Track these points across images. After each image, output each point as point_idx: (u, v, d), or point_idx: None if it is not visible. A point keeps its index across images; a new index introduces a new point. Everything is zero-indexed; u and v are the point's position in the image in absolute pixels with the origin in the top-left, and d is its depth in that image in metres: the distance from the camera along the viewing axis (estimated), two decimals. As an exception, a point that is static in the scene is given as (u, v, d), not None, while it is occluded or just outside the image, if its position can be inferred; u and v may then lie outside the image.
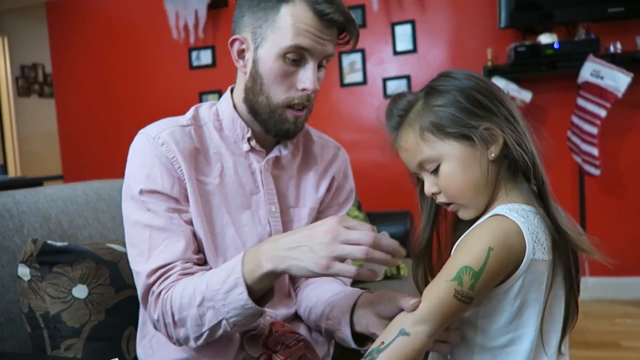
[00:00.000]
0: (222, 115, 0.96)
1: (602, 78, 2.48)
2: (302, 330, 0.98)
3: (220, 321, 0.80)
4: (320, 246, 0.70)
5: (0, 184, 2.76)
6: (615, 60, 2.53)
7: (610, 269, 2.89)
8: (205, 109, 0.97)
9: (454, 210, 0.79)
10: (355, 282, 1.01)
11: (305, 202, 1.01)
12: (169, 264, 0.85)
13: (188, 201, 0.89)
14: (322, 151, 1.06)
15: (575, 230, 0.74)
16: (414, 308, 0.71)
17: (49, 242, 0.98)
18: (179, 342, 0.86)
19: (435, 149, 0.75)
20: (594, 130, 2.54)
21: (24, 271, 0.97)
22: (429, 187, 0.78)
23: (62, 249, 0.98)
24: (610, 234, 2.75)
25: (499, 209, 0.75)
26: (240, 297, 0.76)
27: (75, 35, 3.61)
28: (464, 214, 0.79)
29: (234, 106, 0.95)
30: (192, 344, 0.84)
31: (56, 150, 3.84)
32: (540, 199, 0.74)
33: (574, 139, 2.61)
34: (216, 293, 0.78)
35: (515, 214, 0.72)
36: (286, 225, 0.98)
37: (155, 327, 0.88)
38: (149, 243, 0.86)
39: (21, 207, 1.09)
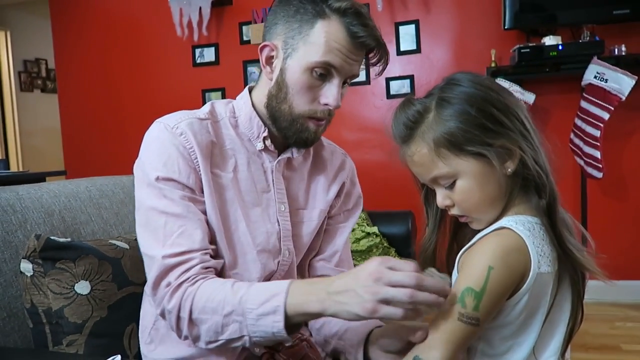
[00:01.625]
0: (239, 112, 0.97)
1: (606, 81, 2.47)
2: (305, 330, 0.98)
3: (242, 336, 0.79)
4: (364, 289, 0.69)
5: (3, 179, 2.76)
6: (620, 62, 2.52)
7: (611, 272, 2.87)
8: (222, 106, 0.98)
9: (466, 221, 0.79)
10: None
11: (316, 204, 1.02)
12: (188, 251, 0.84)
13: (203, 193, 0.89)
14: (332, 156, 1.08)
15: (580, 249, 0.73)
16: (422, 339, 0.70)
17: (53, 237, 0.98)
18: (185, 338, 0.85)
19: (451, 166, 0.73)
20: (596, 132, 2.53)
21: (26, 266, 0.97)
22: (442, 200, 0.77)
23: (66, 244, 0.98)
24: (612, 237, 2.75)
25: (505, 220, 0.74)
26: (276, 324, 0.76)
27: (78, 31, 3.60)
28: (476, 225, 0.78)
29: (253, 105, 0.96)
30: (201, 344, 0.84)
31: (58, 145, 3.84)
32: (549, 215, 0.73)
33: (577, 141, 2.61)
34: (250, 312, 0.77)
35: (521, 227, 0.72)
36: (296, 226, 0.99)
37: (163, 316, 0.86)
38: (164, 229, 0.85)
39: (24, 202, 1.08)
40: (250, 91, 0.98)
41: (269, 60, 0.91)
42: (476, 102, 0.71)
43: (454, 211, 0.77)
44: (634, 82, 2.45)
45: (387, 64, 0.91)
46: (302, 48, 0.86)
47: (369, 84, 3.08)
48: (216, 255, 0.90)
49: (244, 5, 3.21)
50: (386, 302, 0.67)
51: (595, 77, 2.50)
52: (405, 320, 0.68)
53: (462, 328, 0.68)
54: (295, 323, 0.78)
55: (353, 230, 1.99)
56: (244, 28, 3.24)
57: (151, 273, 0.85)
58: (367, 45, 0.87)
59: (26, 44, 5.49)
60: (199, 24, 3.24)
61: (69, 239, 1.02)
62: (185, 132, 0.88)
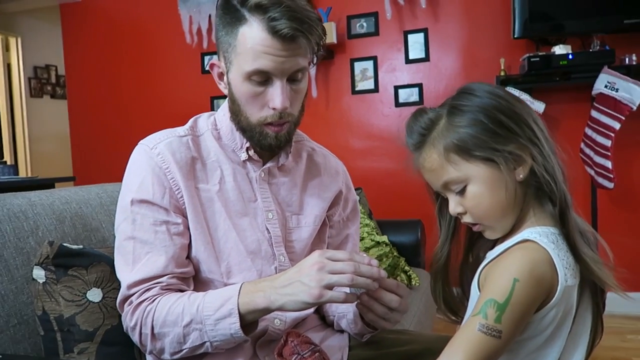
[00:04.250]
0: (220, 125, 0.98)
1: (616, 90, 2.46)
2: (317, 339, 0.97)
3: (204, 343, 0.84)
4: (309, 278, 0.75)
5: (12, 185, 2.77)
6: (631, 72, 2.51)
7: (622, 284, 2.84)
8: (204, 119, 1.01)
9: (479, 230, 0.78)
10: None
11: (312, 210, 1.02)
12: (150, 278, 0.87)
13: (180, 212, 0.91)
14: (325, 160, 1.09)
15: (597, 261, 0.72)
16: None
17: (65, 244, 0.98)
18: (150, 352, 0.89)
19: (461, 171, 0.74)
20: (607, 142, 2.52)
21: (39, 273, 0.96)
22: (454, 207, 0.77)
23: (78, 251, 0.98)
24: (623, 248, 2.72)
25: (528, 232, 0.73)
26: (232, 326, 0.81)
27: (88, 38, 3.64)
28: (490, 235, 0.78)
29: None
30: (165, 356, 0.88)
31: (67, 151, 3.86)
32: (562, 224, 0.73)
33: (588, 151, 2.59)
34: (207, 318, 0.82)
35: (546, 239, 0.71)
36: (292, 232, 1.00)
37: (128, 332, 0.91)
38: (132, 255, 0.89)
39: (36, 208, 1.09)
40: None
41: (221, 77, 0.94)
42: (485, 110, 0.73)
43: (466, 219, 0.77)
44: (645, 91, 2.43)
45: (320, 47, 0.86)
46: (235, 60, 0.87)
47: (377, 92, 3.08)
48: (188, 278, 0.92)
49: (253, 13, 3.22)
50: (330, 287, 0.75)
51: (605, 86, 2.48)
52: (346, 302, 0.78)
53: (483, 339, 0.67)
54: (250, 322, 0.83)
55: (362, 239, 1.98)
56: (253, 36, 3.25)
57: (120, 294, 0.90)
58: (290, 36, 0.80)
59: (37, 50, 5.53)
60: (209, 31, 3.25)
61: (81, 246, 1.02)
62: (162, 152, 0.91)
